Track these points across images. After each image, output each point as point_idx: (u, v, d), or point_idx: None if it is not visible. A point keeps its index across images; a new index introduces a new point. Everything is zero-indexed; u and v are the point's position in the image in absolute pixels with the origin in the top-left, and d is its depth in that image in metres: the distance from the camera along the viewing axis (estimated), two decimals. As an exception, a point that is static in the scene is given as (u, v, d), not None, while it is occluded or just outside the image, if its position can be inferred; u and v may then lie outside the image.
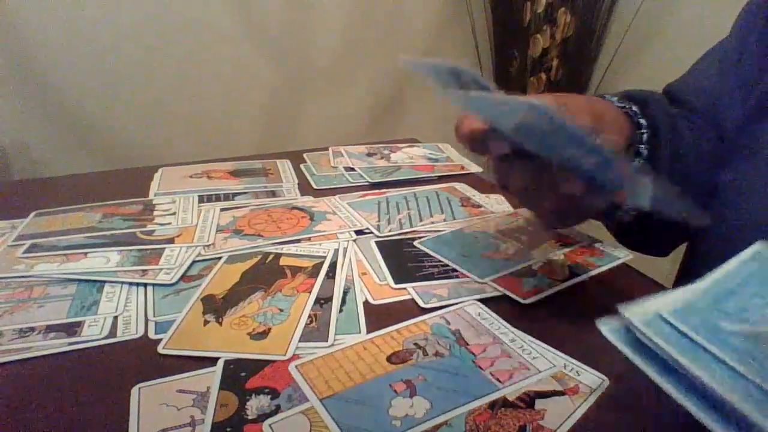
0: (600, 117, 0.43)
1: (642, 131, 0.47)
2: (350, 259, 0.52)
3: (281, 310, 0.44)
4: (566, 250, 0.54)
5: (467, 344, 0.40)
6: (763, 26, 0.49)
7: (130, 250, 0.53)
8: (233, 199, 0.67)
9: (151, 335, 0.42)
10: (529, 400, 0.35)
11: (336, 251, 0.54)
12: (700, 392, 0.28)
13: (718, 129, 0.53)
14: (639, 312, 0.31)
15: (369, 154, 0.83)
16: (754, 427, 0.26)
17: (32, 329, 0.42)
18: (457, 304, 0.45)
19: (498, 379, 0.37)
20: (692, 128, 0.54)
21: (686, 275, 0.56)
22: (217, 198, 0.67)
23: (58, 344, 0.41)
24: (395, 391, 0.36)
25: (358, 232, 0.58)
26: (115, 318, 0.44)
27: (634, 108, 0.47)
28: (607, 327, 0.32)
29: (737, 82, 0.51)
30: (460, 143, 0.41)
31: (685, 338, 0.30)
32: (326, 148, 0.85)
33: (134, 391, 0.36)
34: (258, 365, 0.38)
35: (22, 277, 0.49)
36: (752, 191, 0.48)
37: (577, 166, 0.34)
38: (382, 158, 0.81)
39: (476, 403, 0.35)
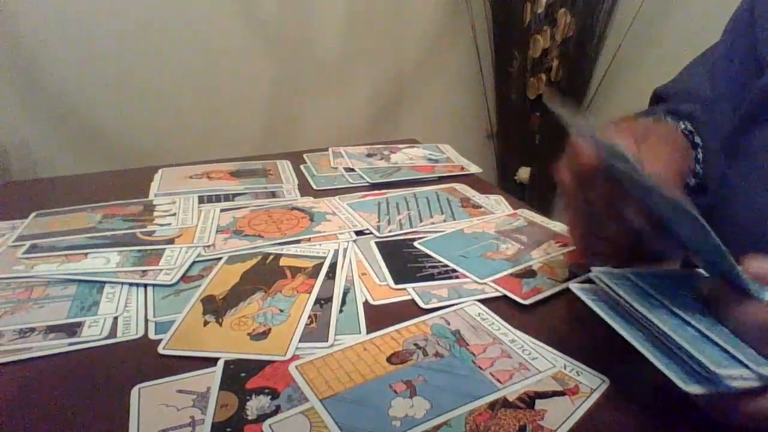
0: (684, 151, 0.44)
1: (698, 153, 0.47)
2: (350, 260, 0.53)
3: (281, 311, 0.44)
4: (566, 250, 0.54)
5: (467, 344, 0.40)
6: (750, 31, 0.49)
7: (131, 251, 0.53)
8: (233, 200, 0.67)
9: (151, 336, 0.42)
10: (529, 400, 0.35)
11: (336, 252, 0.54)
12: (654, 341, 0.33)
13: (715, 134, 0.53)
14: (606, 270, 0.38)
15: (369, 155, 0.83)
16: (697, 364, 0.30)
17: (32, 329, 0.42)
18: (457, 304, 0.45)
19: (498, 380, 0.37)
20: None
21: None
22: (218, 199, 0.67)
23: (58, 344, 0.41)
24: (395, 391, 0.36)
25: (358, 233, 0.58)
26: (115, 318, 0.44)
27: (690, 127, 0.48)
28: (578, 287, 0.38)
29: (729, 89, 0.51)
30: (569, 170, 0.41)
31: (638, 288, 0.36)
32: (326, 149, 0.85)
33: (134, 391, 0.36)
34: (258, 365, 0.38)
35: (23, 277, 0.49)
36: (745, 195, 0.48)
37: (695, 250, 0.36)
38: (382, 159, 0.81)
39: (476, 403, 0.35)
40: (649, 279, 0.37)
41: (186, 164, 0.78)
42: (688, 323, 0.33)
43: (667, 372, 0.30)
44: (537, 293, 0.47)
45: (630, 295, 0.35)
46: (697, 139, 0.47)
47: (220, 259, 0.52)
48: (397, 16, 1.73)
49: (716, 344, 0.31)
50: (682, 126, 0.48)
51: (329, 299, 0.46)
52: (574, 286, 0.38)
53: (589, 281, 0.39)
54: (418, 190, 0.70)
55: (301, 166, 0.78)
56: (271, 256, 0.53)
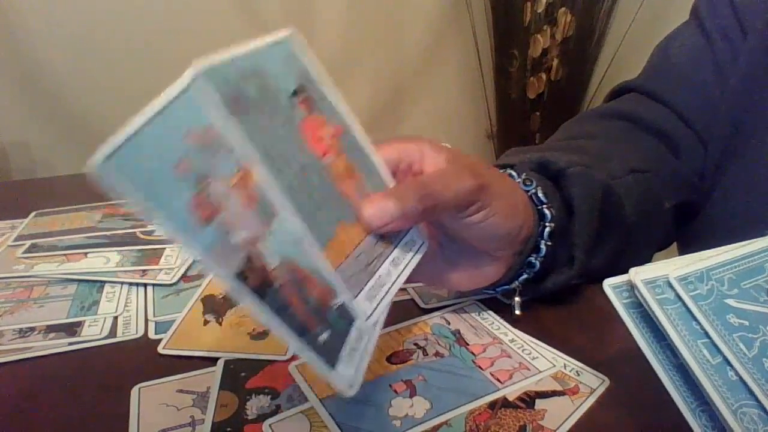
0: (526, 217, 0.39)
1: (545, 224, 0.41)
2: (350, 259, 0.52)
3: (281, 310, 0.44)
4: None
5: (467, 344, 0.40)
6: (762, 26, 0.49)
7: (130, 250, 0.53)
8: (233, 199, 0.66)
9: (151, 335, 0.42)
10: (529, 400, 0.35)
11: (336, 251, 0.54)
12: (679, 367, 0.28)
13: (716, 130, 0.52)
14: (646, 272, 0.29)
15: (369, 154, 0.82)
16: (718, 414, 0.26)
17: (32, 329, 0.42)
18: (457, 304, 0.45)
19: (498, 379, 0.37)
20: (663, 162, 0.51)
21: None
22: (217, 198, 0.66)
23: (58, 344, 0.41)
24: (395, 391, 0.36)
25: (358, 232, 0.58)
26: (115, 318, 0.44)
27: (540, 194, 0.41)
28: (610, 283, 0.30)
29: (737, 84, 0.50)
30: None
31: (683, 307, 0.28)
32: (326, 148, 0.85)
33: (134, 391, 0.36)
34: (258, 365, 0.38)
35: (22, 277, 0.49)
36: (754, 188, 0.48)
37: None
38: (382, 158, 0.81)
39: (476, 403, 0.35)
40: (697, 284, 0.29)
41: (186, 164, 0.78)
42: (730, 364, 0.27)
43: (692, 422, 0.27)
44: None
45: (668, 316, 0.28)
46: (547, 212, 0.40)
47: (220, 258, 0.52)
48: (397, 16, 1.73)
49: (755, 398, 0.26)
50: (532, 190, 0.41)
51: (329, 299, 0.46)
52: (609, 284, 0.31)
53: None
54: (418, 189, 0.69)
55: (301, 166, 0.78)
56: (271, 256, 0.53)
